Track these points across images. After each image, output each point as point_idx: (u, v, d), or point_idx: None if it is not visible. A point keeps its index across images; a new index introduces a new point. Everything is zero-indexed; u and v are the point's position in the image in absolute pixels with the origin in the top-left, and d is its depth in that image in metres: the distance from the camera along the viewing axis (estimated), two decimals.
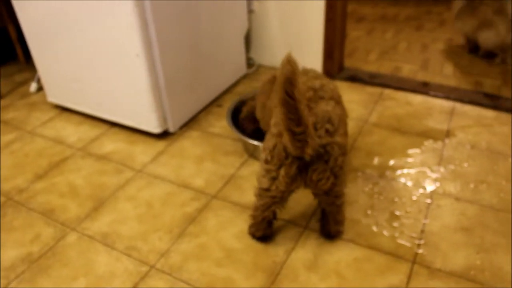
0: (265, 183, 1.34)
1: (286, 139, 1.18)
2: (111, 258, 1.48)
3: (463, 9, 2.78)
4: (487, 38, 2.66)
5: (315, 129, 1.27)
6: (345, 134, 1.40)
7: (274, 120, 1.35)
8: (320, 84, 1.44)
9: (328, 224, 1.50)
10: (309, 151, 1.20)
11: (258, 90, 1.80)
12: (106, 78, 2.02)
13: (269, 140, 1.32)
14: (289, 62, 1.08)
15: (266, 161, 1.32)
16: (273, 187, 1.33)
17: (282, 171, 1.28)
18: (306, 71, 1.60)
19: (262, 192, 1.38)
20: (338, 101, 1.47)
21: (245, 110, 1.94)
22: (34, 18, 2.08)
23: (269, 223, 1.50)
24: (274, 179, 1.31)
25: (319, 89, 1.42)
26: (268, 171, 1.32)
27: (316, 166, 1.27)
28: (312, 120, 1.28)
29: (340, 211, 1.48)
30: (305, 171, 1.29)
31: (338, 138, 1.30)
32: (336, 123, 1.33)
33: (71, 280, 1.42)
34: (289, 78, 1.08)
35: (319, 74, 1.61)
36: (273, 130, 1.33)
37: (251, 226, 1.52)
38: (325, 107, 1.35)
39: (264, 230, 1.51)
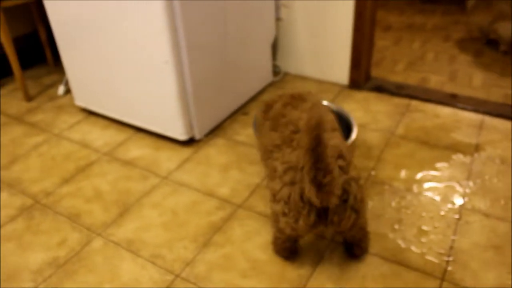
0: (286, 229, 1.27)
1: (310, 191, 1.09)
2: (136, 266, 1.49)
3: (478, 3, 2.94)
4: (507, 29, 2.82)
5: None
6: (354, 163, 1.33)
7: (284, 166, 1.26)
8: None
9: (352, 249, 1.46)
10: (334, 201, 1.12)
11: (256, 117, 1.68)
12: (134, 83, 2.04)
13: (282, 190, 1.23)
14: (318, 104, 1.00)
15: (284, 214, 1.23)
16: (293, 233, 1.27)
17: (301, 222, 1.21)
18: (300, 96, 1.48)
19: (282, 231, 1.31)
20: (335, 128, 1.38)
21: None
22: (65, 21, 2.11)
23: (291, 250, 1.46)
24: (292, 228, 1.25)
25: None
26: (286, 222, 1.24)
27: (336, 208, 1.20)
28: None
29: (364, 239, 1.44)
30: (325, 215, 1.21)
31: (352, 173, 1.23)
32: (348, 157, 1.25)
33: (97, 287, 1.42)
34: (320, 123, 1.00)
35: (313, 99, 1.48)
36: (286, 178, 1.23)
37: (273, 247, 1.50)
38: (333, 141, 1.27)
39: (287, 255, 1.47)
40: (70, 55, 2.23)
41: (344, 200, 1.20)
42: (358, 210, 1.23)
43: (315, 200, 1.10)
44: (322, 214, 1.20)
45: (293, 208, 1.20)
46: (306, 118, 1.02)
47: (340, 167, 1.20)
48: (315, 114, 1.00)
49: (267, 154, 1.40)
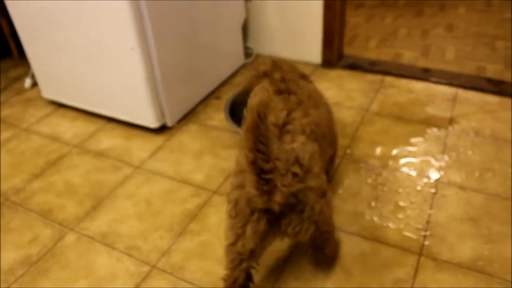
0: (230, 238, 1.12)
1: (249, 181, 0.97)
2: (111, 259, 1.45)
3: None
4: None
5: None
6: (322, 169, 1.17)
7: (237, 168, 1.13)
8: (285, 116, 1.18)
9: (318, 257, 1.36)
10: (278, 199, 0.99)
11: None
12: (101, 72, 1.98)
13: (232, 192, 1.12)
14: (265, 88, 0.92)
15: (230, 216, 1.11)
16: (239, 244, 1.10)
17: (249, 229, 1.07)
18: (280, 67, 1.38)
19: (228, 247, 1.15)
20: (304, 131, 1.19)
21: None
22: (26, 12, 2.03)
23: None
24: (239, 235, 1.10)
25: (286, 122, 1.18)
26: (232, 226, 1.11)
27: (290, 218, 1.07)
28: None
29: (329, 245, 1.30)
30: (278, 224, 1.07)
31: (311, 182, 1.08)
32: (307, 163, 1.09)
33: (71, 283, 1.39)
34: (265, 102, 0.90)
35: (297, 81, 1.35)
36: (235, 180, 1.11)
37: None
38: (289, 145, 1.11)
39: None
40: (34, 46, 2.15)
41: (300, 211, 1.07)
42: (317, 223, 1.10)
43: (253, 192, 0.98)
44: (275, 222, 1.07)
45: (240, 213, 1.08)
46: (253, 98, 0.92)
47: (295, 174, 1.05)
48: (263, 95, 0.90)
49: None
